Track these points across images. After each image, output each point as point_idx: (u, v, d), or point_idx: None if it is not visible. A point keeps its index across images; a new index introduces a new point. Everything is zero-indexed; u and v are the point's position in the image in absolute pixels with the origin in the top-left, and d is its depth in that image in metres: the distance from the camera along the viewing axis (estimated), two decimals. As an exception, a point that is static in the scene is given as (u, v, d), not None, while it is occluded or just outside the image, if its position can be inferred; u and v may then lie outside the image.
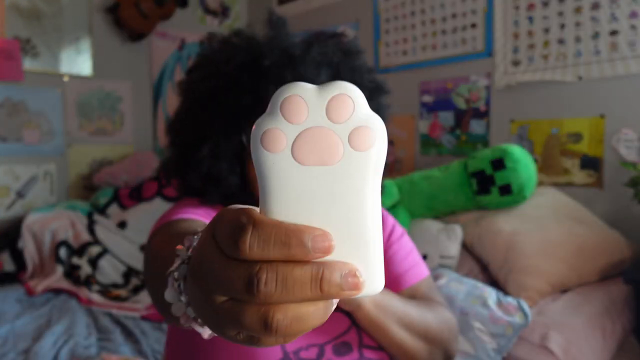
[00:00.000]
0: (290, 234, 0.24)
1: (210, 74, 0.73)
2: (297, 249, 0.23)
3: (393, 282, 0.82)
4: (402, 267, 0.83)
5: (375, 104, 0.77)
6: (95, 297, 2.05)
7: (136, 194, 2.53)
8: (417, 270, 0.85)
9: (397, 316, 0.70)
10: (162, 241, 0.53)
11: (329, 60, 0.74)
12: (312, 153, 0.25)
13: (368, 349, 0.72)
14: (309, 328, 0.24)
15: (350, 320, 0.73)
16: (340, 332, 0.71)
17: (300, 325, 0.24)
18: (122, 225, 2.43)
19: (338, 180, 0.25)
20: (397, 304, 0.71)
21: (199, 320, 0.34)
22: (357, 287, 0.24)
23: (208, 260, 0.26)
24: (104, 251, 2.30)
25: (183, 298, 0.34)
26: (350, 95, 0.25)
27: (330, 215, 0.25)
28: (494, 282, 1.63)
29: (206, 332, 0.37)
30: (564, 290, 1.53)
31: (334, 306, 0.25)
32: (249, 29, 0.77)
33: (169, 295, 0.36)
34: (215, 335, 0.38)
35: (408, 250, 0.87)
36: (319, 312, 0.24)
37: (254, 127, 0.26)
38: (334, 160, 0.25)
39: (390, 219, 0.91)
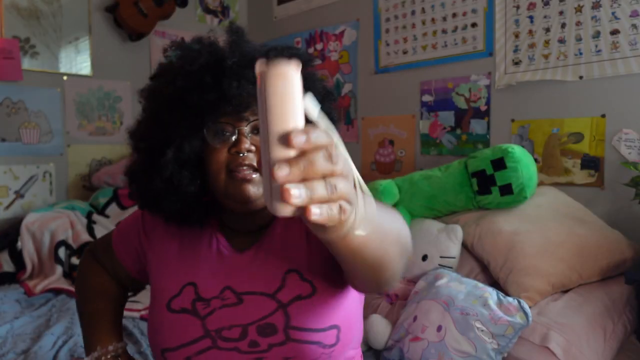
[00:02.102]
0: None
1: (175, 75, 0.76)
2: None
3: None
4: None
5: (327, 108, 0.81)
6: (95, 297, 2.04)
7: (136, 194, 2.53)
8: None
9: (385, 232, 0.69)
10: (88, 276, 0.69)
11: None
12: None
13: (295, 330, 0.71)
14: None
15: (277, 304, 0.73)
16: (265, 314, 0.72)
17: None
18: (121, 225, 2.42)
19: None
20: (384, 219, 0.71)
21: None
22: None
23: None
24: (104, 251, 2.29)
25: None
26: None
27: None
28: (494, 282, 1.62)
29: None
30: (565, 290, 1.53)
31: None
32: (209, 35, 0.81)
33: None
34: None
35: None
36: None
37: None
38: None
39: None
